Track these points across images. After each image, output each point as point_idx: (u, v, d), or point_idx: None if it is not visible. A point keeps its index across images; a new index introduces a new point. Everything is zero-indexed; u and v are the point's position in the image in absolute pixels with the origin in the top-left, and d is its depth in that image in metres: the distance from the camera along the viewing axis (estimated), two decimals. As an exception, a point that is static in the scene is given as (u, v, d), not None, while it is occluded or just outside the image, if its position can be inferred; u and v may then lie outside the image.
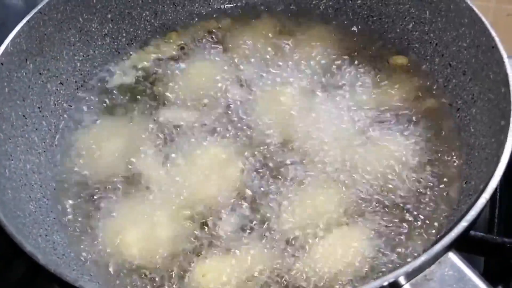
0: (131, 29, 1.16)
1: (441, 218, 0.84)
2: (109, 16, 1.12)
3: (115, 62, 1.13)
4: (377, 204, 0.86)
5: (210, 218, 0.87)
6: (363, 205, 0.86)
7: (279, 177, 0.91)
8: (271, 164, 0.93)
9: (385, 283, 0.63)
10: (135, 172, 0.94)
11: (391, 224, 0.84)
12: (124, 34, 1.15)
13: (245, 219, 0.86)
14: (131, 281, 0.82)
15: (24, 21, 0.97)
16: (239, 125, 0.99)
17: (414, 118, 0.97)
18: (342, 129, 0.96)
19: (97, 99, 1.08)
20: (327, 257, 0.80)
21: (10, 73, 0.94)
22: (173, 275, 0.82)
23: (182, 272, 0.82)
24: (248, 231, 0.85)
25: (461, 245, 0.69)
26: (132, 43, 1.17)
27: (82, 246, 0.87)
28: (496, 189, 0.89)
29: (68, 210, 0.92)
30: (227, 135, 0.98)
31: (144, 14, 1.17)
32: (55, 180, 0.96)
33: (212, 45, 1.15)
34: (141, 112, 1.04)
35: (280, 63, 1.09)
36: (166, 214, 0.87)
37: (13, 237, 0.73)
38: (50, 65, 1.03)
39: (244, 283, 0.80)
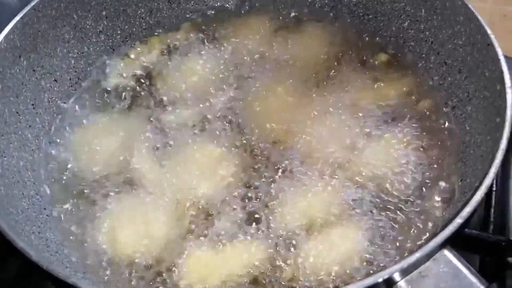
0: (126, 27, 1.16)
1: (436, 215, 0.84)
2: (104, 13, 1.11)
3: (110, 60, 1.13)
4: (372, 202, 0.86)
5: (205, 216, 0.87)
6: (359, 204, 0.86)
7: (274, 176, 0.91)
8: (266, 163, 0.93)
9: (380, 279, 0.63)
10: (130, 171, 0.94)
11: (386, 221, 0.84)
12: (119, 32, 1.15)
13: (239, 217, 0.86)
14: (125, 278, 0.82)
15: (18, 17, 0.96)
16: (234, 123, 0.99)
17: (409, 116, 0.97)
18: (338, 128, 0.96)
19: (91, 96, 1.07)
20: (321, 255, 0.80)
21: (3, 69, 0.93)
22: (166, 272, 0.82)
23: (175, 269, 0.82)
24: (242, 229, 0.85)
25: (457, 243, 0.68)
26: (127, 41, 1.16)
27: (75, 244, 0.87)
28: (491, 187, 0.89)
29: (62, 207, 0.92)
30: (222, 133, 0.98)
31: (139, 11, 1.17)
32: (48, 177, 0.96)
33: (208, 43, 1.15)
34: (136, 110, 1.04)
35: (276, 61, 1.09)
36: (160, 213, 0.87)
37: (5, 234, 0.73)
38: (44, 62, 1.03)
39: (238, 278, 0.80)
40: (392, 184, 0.88)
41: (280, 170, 0.91)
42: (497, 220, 0.92)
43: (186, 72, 1.09)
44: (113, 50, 1.15)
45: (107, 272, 0.83)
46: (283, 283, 0.79)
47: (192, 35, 1.17)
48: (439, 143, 0.93)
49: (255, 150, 0.94)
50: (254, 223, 0.85)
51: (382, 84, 1.03)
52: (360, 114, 0.98)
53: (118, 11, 1.14)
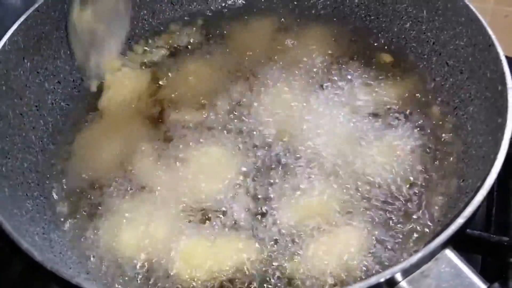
0: (129, 28, 1.16)
1: (438, 215, 0.84)
2: (107, 15, 1.12)
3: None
4: (374, 202, 0.86)
5: (207, 217, 0.87)
6: (360, 203, 0.86)
7: (278, 176, 0.91)
8: (269, 163, 0.93)
9: (382, 280, 0.63)
10: (133, 172, 0.94)
11: (387, 222, 0.84)
12: (122, 33, 1.15)
13: (241, 217, 0.86)
14: (128, 278, 0.82)
15: (22, 19, 0.97)
16: (238, 124, 0.99)
17: (411, 117, 0.97)
18: (340, 128, 0.96)
19: (95, 98, 1.08)
20: (322, 255, 0.81)
21: (7, 71, 0.94)
22: (168, 272, 0.82)
23: (176, 269, 0.82)
24: (243, 229, 0.85)
25: (459, 243, 0.68)
26: (130, 42, 1.16)
27: (79, 244, 0.87)
28: (493, 187, 0.89)
29: (65, 208, 0.92)
30: (226, 134, 0.98)
31: (142, 13, 1.18)
32: (52, 178, 0.96)
33: (211, 44, 1.15)
34: (140, 111, 1.04)
35: (279, 62, 1.09)
36: (164, 213, 0.88)
37: (10, 234, 0.73)
38: (47, 64, 1.03)
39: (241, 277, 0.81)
40: (393, 184, 0.88)
41: (282, 171, 0.91)
42: (499, 221, 0.92)
43: (190, 73, 1.09)
44: (116, 51, 1.15)
45: (110, 273, 0.83)
46: (283, 283, 0.80)
47: (194, 36, 1.17)
48: (441, 143, 0.93)
49: (257, 151, 0.95)
50: (255, 223, 0.86)
51: (383, 85, 1.03)
52: (362, 115, 0.98)
53: (121, 13, 1.14)
